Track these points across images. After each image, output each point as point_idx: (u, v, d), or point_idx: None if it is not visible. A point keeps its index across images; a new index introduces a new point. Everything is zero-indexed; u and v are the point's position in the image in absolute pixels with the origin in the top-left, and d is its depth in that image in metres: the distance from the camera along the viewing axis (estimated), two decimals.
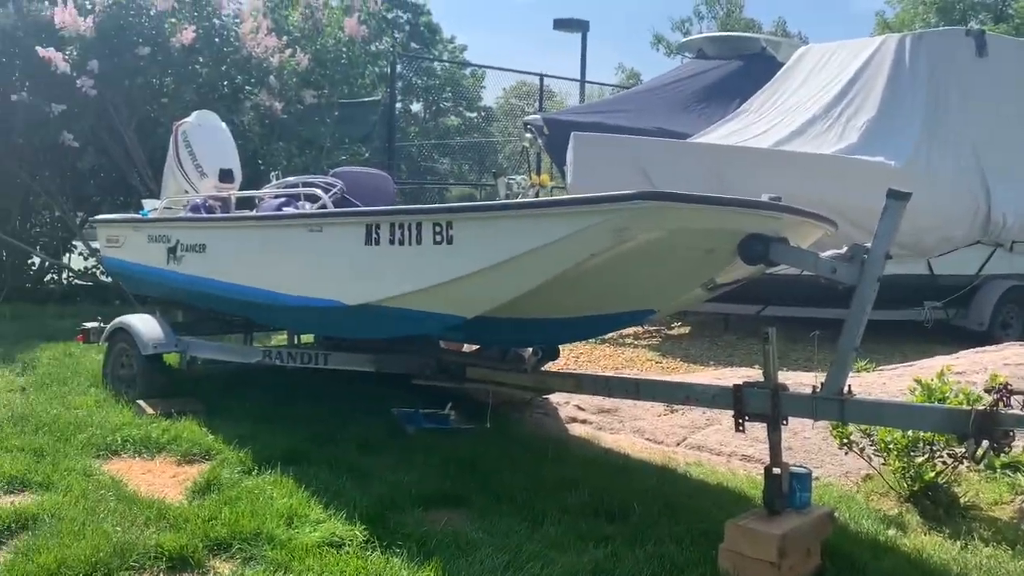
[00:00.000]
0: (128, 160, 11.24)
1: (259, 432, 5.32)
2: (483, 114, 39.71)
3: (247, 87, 11.88)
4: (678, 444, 5.88)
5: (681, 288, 4.22)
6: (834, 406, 3.67)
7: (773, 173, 8.10)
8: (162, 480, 4.71)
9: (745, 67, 12.73)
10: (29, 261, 12.50)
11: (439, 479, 4.70)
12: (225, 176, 6.98)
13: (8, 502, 4.19)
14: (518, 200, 4.05)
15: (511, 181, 6.73)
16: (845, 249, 3.65)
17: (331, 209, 5.04)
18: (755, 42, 13.62)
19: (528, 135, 11.67)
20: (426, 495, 4.46)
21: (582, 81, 18.18)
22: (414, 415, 5.69)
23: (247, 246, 5.31)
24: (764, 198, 3.73)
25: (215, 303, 5.85)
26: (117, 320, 6.08)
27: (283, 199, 5.43)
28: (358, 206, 5.74)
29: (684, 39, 21.66)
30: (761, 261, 3.74)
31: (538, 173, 13.84)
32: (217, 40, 11.50)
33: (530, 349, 4.76)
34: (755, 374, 7.16)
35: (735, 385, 3.96)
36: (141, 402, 5.68)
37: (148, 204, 7.35)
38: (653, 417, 6.23)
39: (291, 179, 5.78)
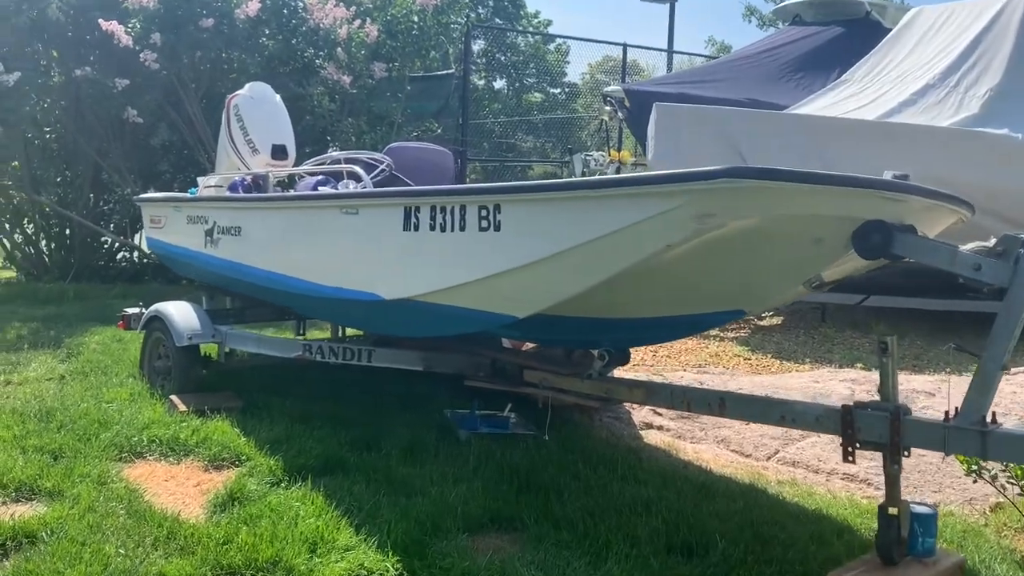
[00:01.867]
0: (195, 136, 10.97)
1: (295, 435, 4.82)
2: (567, 90, 38.84)
3: (317, 61, 11.47)
4: (768, 458, 5.15)
5: (778, 287, 3.50)
6: (974, 439, 2.91)
7: (881, 148, 7.19)
8: (184, 489, 4.25)
9: (847, 33, 11.62)
10: (102, 239, 12.42)
11: (490, 497, 4.12)
12: (278, 152, 6.50)
13: (10, 514, 3.78)
14: (575, 179, 3.39)
15: (588, 157, 5.98)
16: (993, 241, 2.87)
17: (369, 189, 4.46)
18: (858, 6, 12.45)
19: (608, 108, 10.87)
20: (473, 516, 3.89)
21: (669, 51, 17.22)
22: (469, 418, 5.11)
23: (280, 230, 4.79)
24: (887, 176, 2.97)
25: (252, 291, 5.39)
26: (153, 307, 5.67)
27: (321, 177, 4.88)
28: (409, 186, 5.17)
29: (778, 4, 20.47)
30: (881, 255, 2.99)
31: (618, 149, 12.98)
32: (284, 11, 11.10)
33: (596, 351, 4.10)
34: (860, 377, 6.34)
35: (844, 406, 3.23)
36: (174, 398, 5.25)
37: (201, 182, 6.95)
38: (740, 425, 5.49)
39: (333, 154, 5.23)
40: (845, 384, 5.90)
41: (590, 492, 4.26)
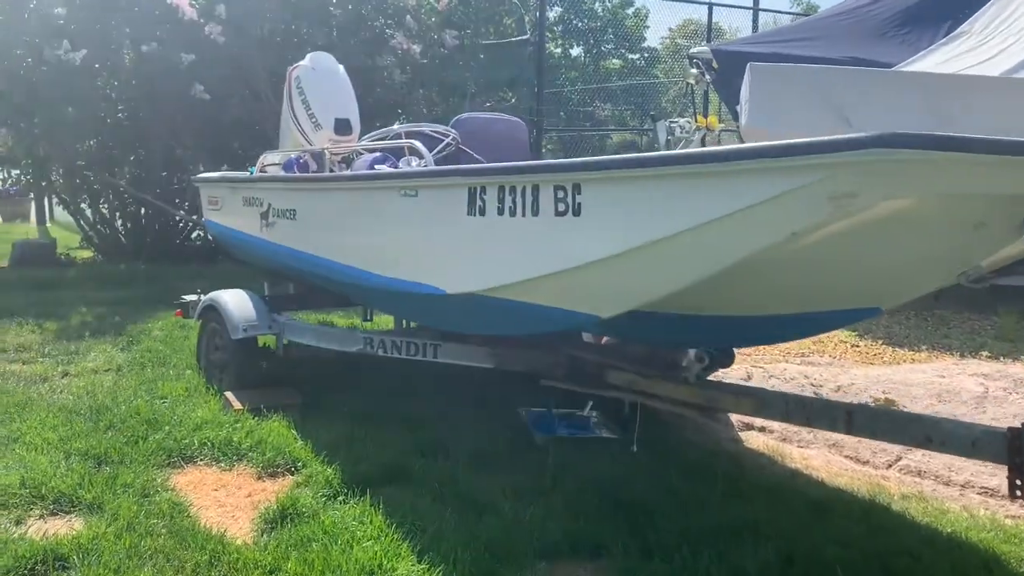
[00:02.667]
0: (264, 113, 10.66)
1: (356, 438, 4.40)
2: (646, 55, 37.72)
3: (387, 31, 11.01)
4: (889, 466, 4.52)
5: (926, 280, 2.87)
6: None
7: (1015, 109, 6.32)
8: (234, 500, 3.86)
9: None
10: (176, 218, 12.30)
11: (570, 515, 3.62)
12: (341, 127, 6.04)
13: (43, 532, 3.45)
14: (670, 152, 2.81)
15: (673, 125, 5.35)
16: None
17: (431, 167, 3.95)
18: None
19: (694, 70, 10.11)
20: (551, 540, 3.41)
21: (755, 9, 16.15)
22: (545, 418, 4.61)
23: (334, 213, 4.34)
24: None
25: (309, 279, 4.98)
26: (208, 296, 5.30)
27: (379, 155, 4.39)
28: (480, 162, 4.65)
29: None
30: None
31: (705, 114, 12.13)
32: None
33: (693, 351, 3.53)
34: (990, 370, 5.59)
35: (1012, 429, 2.60)
36: (228, 394, 4.88)
37: (262, 160, 6.57)
38: None
39: (395, 128, 4.74)
40: (975, 379, 5.18)
41: (686, 511, 3.72)
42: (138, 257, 11.18)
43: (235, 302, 5.03)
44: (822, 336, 6.82)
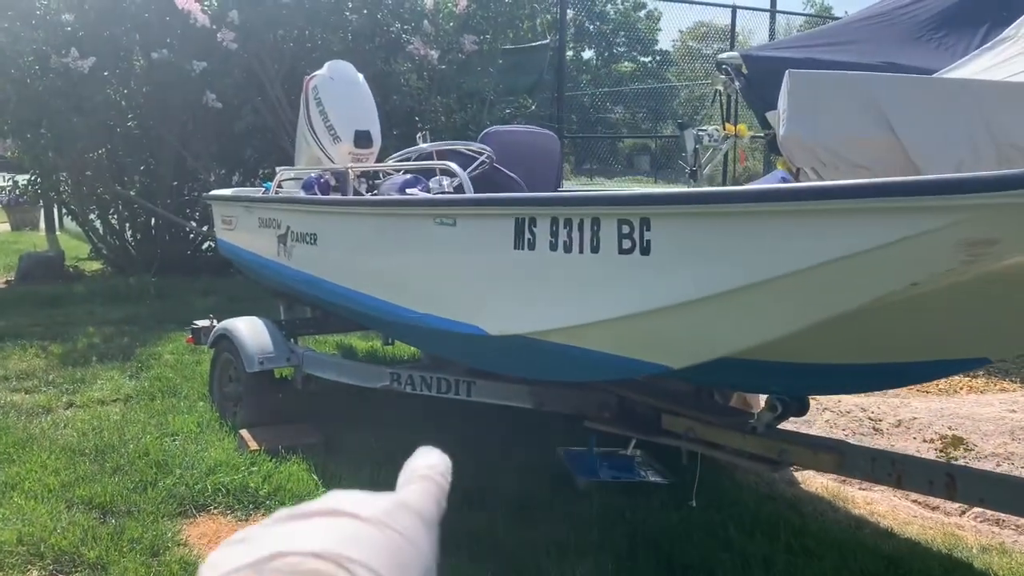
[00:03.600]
0: (278, 120, 10.34)
1: (382, 483, 3.92)
2: (658, 58, 37.41)
3: (404, 36, 10.66)
4: (962, 513, 4.14)
5: None
6: None
7: None
8: None
9: None
10: (188, 229, 11.98)
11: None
12: (362, 139, 5.68)
13: None
14: (760, 188, 2.45)
15: (701, 133, 4.99)
16: None
17: (468, 194, 3.60)
18: None
19: (723, 76, 9.76)
20: None
21: (773, 11, 15.75)
22: (586, 459, 4.27)
23: (361, 240, 3.98)
24: None
25: (332, 309, 4.63)
26: (222, 324, 4.96)
27: (410, 177, 4.05)
28: (516, 182, 4.32)
29: None
30: None
31: (732, 122, 11.68)
32: None
33: (762, 397, 3.17)
34: None
35: None
36: (244, 433, 4.53)
37: (278, 176, 6.22)
38: None
39: (423, 146, 4.39)
40: None
41: (749, 571, 3.37)
42: (148, 269, 10.85)
43: (250, 332, 4.68)
44: None
